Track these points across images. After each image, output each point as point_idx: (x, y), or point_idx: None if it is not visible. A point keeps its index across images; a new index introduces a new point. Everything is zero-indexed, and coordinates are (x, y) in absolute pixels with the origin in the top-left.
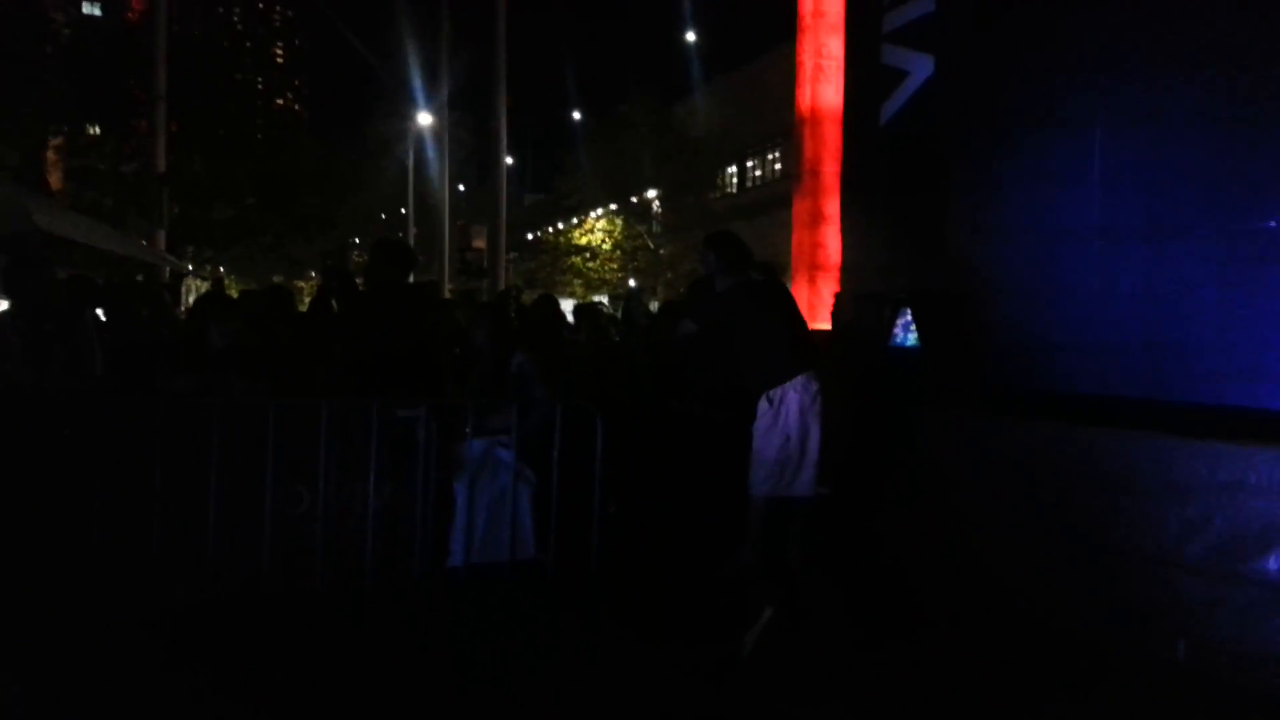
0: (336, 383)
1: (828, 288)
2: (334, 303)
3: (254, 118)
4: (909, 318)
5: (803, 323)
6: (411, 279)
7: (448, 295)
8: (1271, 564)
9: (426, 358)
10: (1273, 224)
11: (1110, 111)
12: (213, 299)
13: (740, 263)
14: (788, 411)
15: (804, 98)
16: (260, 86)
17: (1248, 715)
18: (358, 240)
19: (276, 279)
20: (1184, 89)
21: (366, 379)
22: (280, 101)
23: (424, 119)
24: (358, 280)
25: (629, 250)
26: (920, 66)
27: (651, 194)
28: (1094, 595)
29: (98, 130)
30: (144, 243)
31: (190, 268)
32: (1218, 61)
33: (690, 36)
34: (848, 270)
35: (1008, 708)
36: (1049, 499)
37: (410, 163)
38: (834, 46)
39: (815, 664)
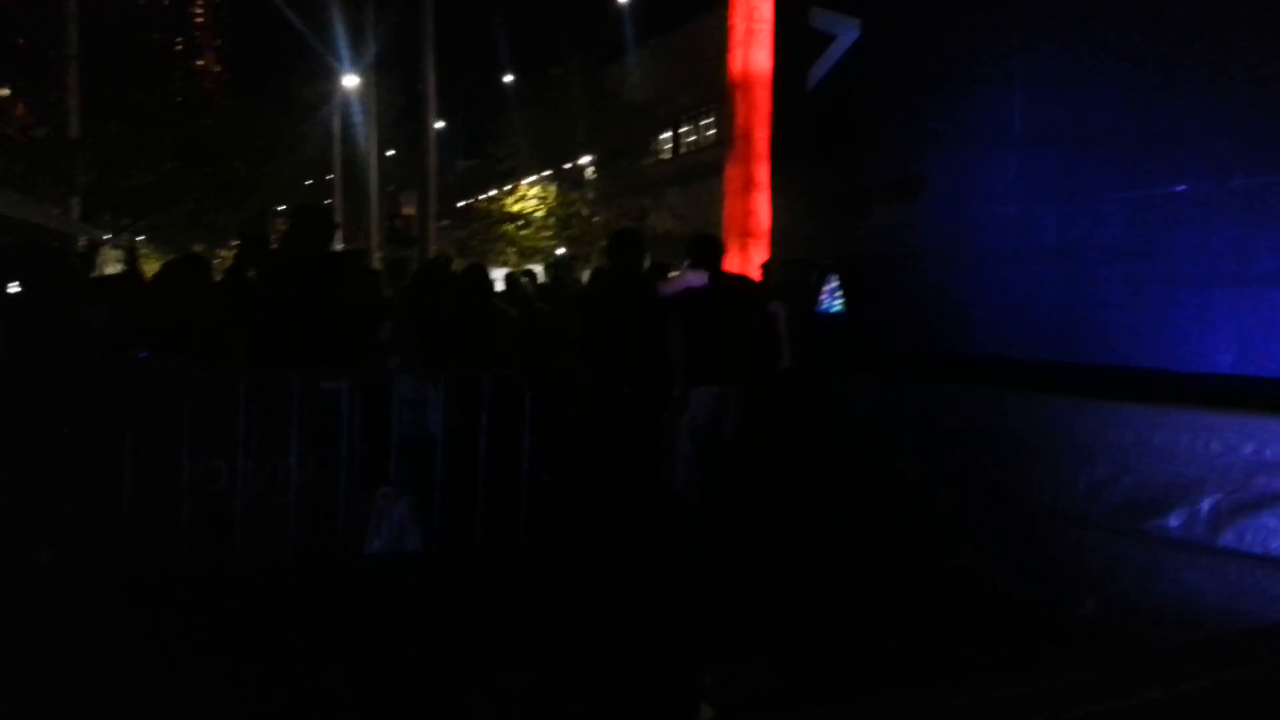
0: (255, 355)
1: (760, 255)
2: (251, 272)
3: (172, 79)
4: (835, 283)
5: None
6: (340, 247)
7: (376, 264)
8: (1173, 522)
9: (350, 328)
10: (1181, 188)
11: (1028, 77)
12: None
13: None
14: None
15: (735, 62)
16: (178, 47)
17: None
18: (283, 207)
19: (197, 248)
20: (1102, 55)
21: (286, 350)
22: (200, 62)
23: (350, 81)
24: (275, 248)
25: (563, 218)
26: (847, 30)
27: (585, 160)
28: (1010, 552)
29: (7, 92)
30: (58, 211)
31: (108, 236)
32: (1136, 29)
33: None
34: (777, 236)
35: (921, 658)
36: (968, 460)
37: (336, 127)
38: (765, 10)
39: (741, 624)
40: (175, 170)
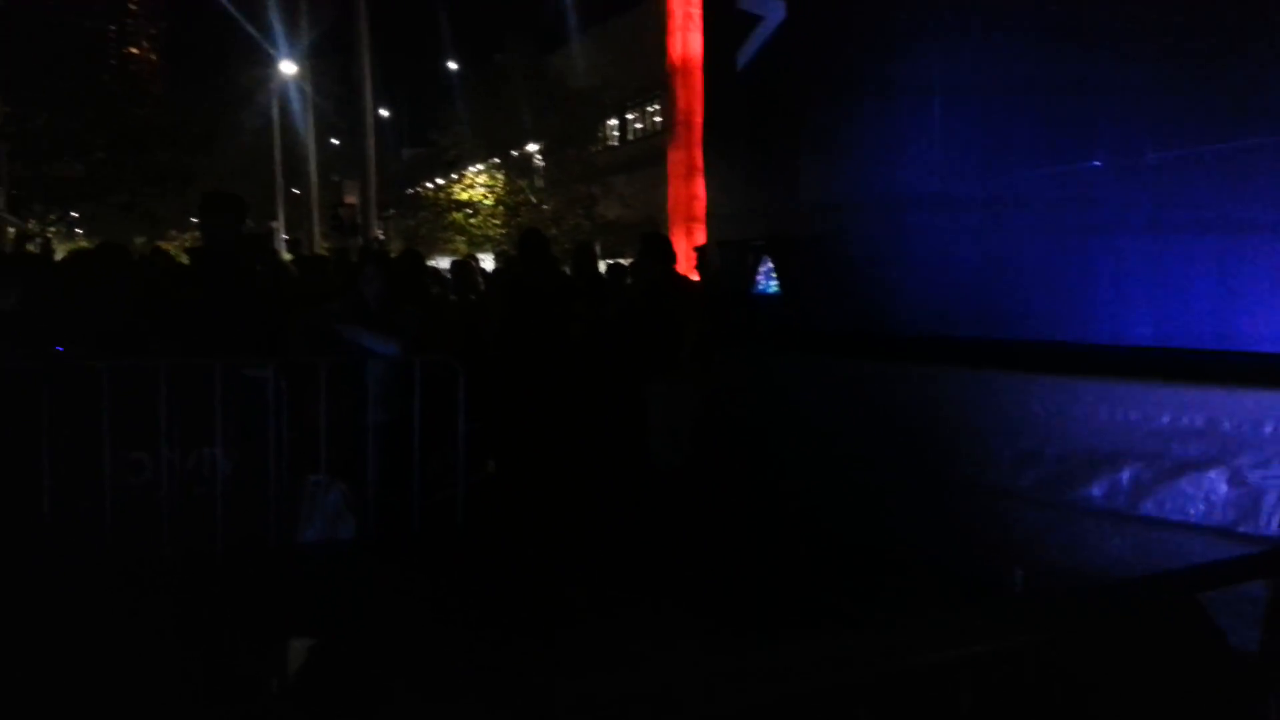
0: (176, 343)
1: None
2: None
3: (105, 67)
4: (770, 264)
5: None
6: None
7: (322, 252)
8: (1095, 492)
9: (271, 314)
10: (1097, 164)
11: (950, 54)
12: None
13: None
14: None
15: (675, 47)
16: (111, 34)
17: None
18: None
19: (139, 240)
20: (1020, 36)
21: (208, 338)
22: (135, 50)
23: (289, 68)
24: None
25: (512, 205)
26: (774, 11)
27: (532, 147)
28: (942, 526)
29: None
30: None
31: (34, 228)
32: (1054, 10)
33: None
34: (713, 219)
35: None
36: (898, 435)
37: (275, 115)
38: None
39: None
40: (106, 160)
